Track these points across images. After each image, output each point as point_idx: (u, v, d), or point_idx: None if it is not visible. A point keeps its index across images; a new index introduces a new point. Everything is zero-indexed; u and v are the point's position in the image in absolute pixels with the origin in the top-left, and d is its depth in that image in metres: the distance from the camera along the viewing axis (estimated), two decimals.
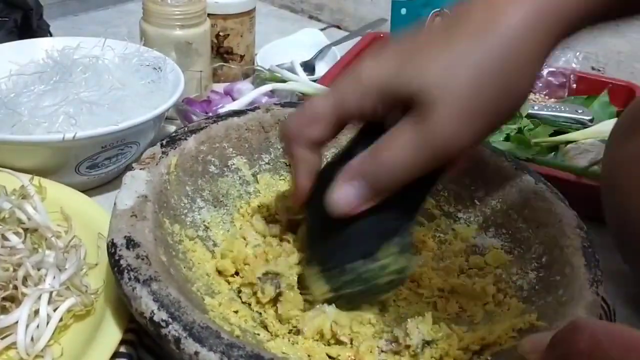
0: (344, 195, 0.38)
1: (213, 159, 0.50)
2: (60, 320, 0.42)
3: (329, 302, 0.43)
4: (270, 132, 0.54)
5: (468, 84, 0.35)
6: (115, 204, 0.42)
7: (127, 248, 0.39)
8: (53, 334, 0.41)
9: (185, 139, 0.49)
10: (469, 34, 0.36)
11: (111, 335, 0.40)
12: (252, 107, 0.55)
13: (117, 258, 0.38)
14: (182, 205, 0.47)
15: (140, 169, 0.45)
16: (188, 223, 0.47)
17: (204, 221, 0.48)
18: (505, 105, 0.37)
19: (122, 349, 0.41)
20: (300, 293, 0.43)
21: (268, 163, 0.54)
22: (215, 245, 0.48)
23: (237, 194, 0.51)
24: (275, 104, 0.56)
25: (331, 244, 0.42)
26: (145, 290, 0.36)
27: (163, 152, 0.47)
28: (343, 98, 0.39)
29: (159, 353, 0.42)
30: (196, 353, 0.33)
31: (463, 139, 0.36)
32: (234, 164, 0.52)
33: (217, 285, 0.44)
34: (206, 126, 0.51)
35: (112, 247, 0.39)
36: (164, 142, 0.48)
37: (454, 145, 0.36)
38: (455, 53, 0.36)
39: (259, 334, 0.41)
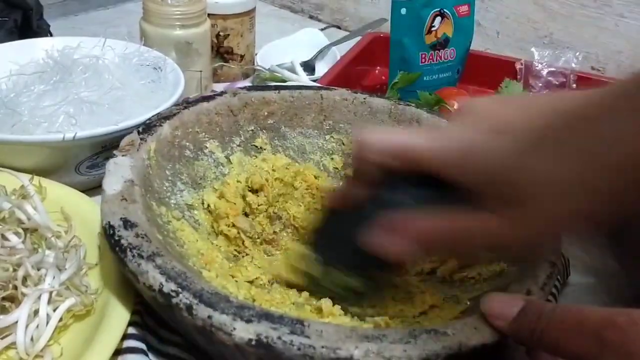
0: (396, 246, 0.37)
1: (188, 144, 0.52)
2: (60, 320, 0.42)
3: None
4: (239, 116, 0.56)
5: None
6: (103, 190, 0.43)
7: (125, 228, 0.40)
8: (53, 334, 0.41)
9: (160, 125, 0.50)
10: None
11: (111, 335, 0.40)
12: (220, 92, 0.57)
13: (117, 238, 0.39)
14: (165, 188, 0.49)
15: (122, 155, 0.46)
16: (172, 205, 0.49)
17: (186, 203, 0.50)
18: None
19: (132, 330, 0.42)
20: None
21: (239, 145, 0.56)
22: (199, 224, 0.50)
23: (213, 175, 0.53)
24: (241, 88, 0.58)
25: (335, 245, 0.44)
26: (151, 264, 0.37)
27: (141, 139, 0.48)
28: None
29: (160, 349, 0.42)
30: (209, 317, 0.34)
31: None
32: (207, 148, 0.54)
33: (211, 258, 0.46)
34: (178, 112, 0.52)
35: (110, 229, 0.40)
36: (140, 129, 0.49)
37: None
38: None
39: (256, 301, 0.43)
